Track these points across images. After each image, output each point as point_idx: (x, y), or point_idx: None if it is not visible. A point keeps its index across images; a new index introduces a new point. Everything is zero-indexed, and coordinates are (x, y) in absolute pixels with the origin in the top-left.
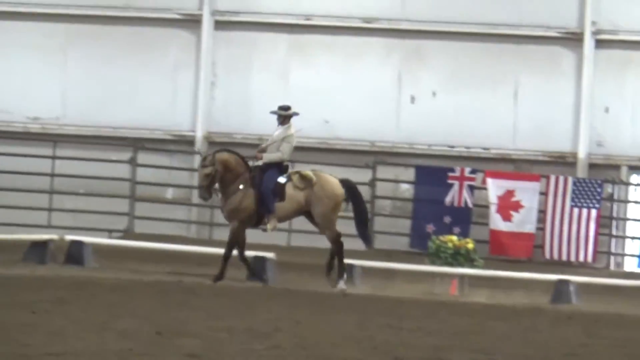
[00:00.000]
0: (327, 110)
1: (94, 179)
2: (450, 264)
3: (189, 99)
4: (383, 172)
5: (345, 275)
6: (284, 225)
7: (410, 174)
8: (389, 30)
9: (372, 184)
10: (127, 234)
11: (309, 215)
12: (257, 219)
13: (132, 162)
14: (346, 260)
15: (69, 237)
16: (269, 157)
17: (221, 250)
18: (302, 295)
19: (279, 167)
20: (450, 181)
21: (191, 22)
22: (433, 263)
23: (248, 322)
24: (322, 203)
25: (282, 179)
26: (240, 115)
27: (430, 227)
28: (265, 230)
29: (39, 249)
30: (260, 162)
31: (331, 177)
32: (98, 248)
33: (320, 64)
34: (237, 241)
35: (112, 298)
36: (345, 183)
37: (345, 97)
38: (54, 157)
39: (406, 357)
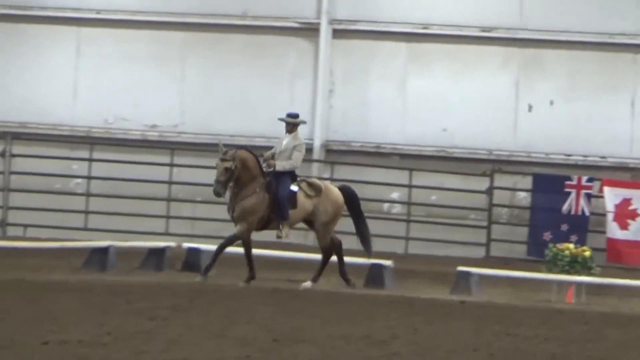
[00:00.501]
0: (444, 118)
1: (211, 187)
2: (567, 272)
3: (307, 107)
4: (500, 180)
5: (317, 280)
6: (402, 232)
7: (527, 182)
8: (507, 39)
9: (489, 192)
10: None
11: (309, 222)
12: (264, 224)
13: None
14: (465, 268)
15: (186, 244)
16: (283, 164)
17: (335, 258)
18: (419, 302)
19: (291, 175)
20: (567, 189)
21: (309, 30)
22: (550, 271)
23: (365, 330)
24: (326, 212)
25: (294, 187)
26: (358, 123)
27: (547, 235)
28: (280, 237)
29: (156, 256)
30: (273, 169)
31: (334, 187)
32: None
33: (438, 72)
34: (244, 243)
35: (229, 305)
36: (345, 189)
37: (462, 105)
38: (171, 165)
39: None
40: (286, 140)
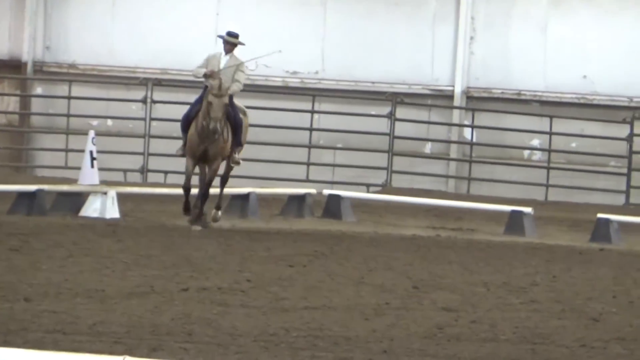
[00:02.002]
0: (585, 65)
1: (352, 134)
2: None
3: (448, 53)
4: None
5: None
6: (542, 179)
7: None
8: None
9: (629, 139)
10: (385, 188)
11: None
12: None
13: (391, 116)
14: (604, 215)
15: (327, 191)
16: (233, 87)
17: (480, 205)
18: (559, 249)
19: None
20: None
21: None
22: None
23: (504, 277)
24: (246, 134)
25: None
26: (499, 70)
27: None
28: (238, 163)
29: (297, 202)
30: (227, 94)
31: None
32: (356, 202)
33: (580, 19)
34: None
35: (369, 252)
36: None
37: (604, 52)
38: (312, 112)
39: None
40: (225, 60)
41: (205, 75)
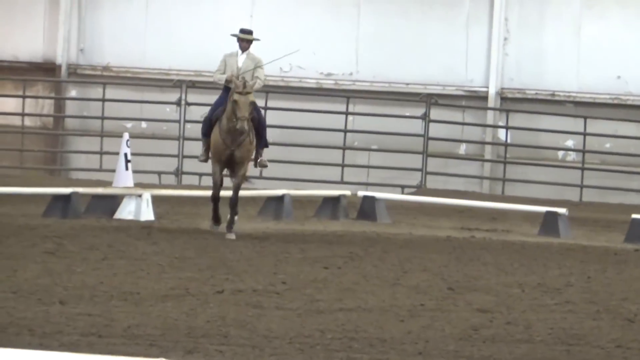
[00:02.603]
0: (619, 65)
1: (386, 135)
2: None
3: (482, 54)
4: None
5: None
6: (577, 180)
7: None
8: None
9: None
10: (420, 189)
11: None
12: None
13: (425, 117)
14: (638, 216)
15: (362, 192)
16: (256, 86)
17: (514, 206)
18: (593, 250)
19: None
20: None
21: None
22: None
23: (539, 278)
24: None
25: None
26: (532, 71)
27: None
28: (266, 166)
29: (331, 204)
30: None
31: None
32: (390, 204)
33: (613, 19)
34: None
35: (403, 253)
36: None
37: (637, 52)
38: (346, 113)
39: None
40: (242, 59)
41: (227, 81)
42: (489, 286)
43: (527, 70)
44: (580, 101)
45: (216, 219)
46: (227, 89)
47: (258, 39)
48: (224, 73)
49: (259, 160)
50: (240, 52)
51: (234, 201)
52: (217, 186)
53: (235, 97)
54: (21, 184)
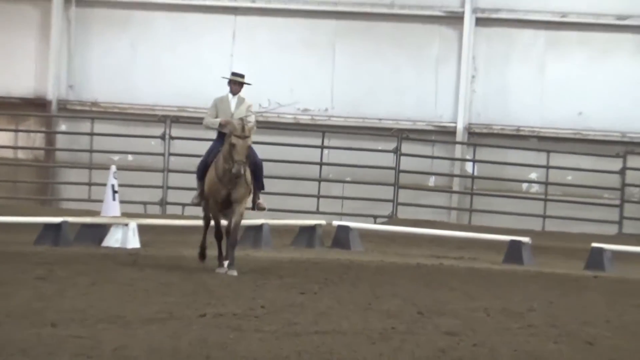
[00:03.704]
0: (580, 102)
1: (360, 168)
2: None
3: (450, 91)
4: (633, 161)
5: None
6: (540, 210)
7: None
8: None
9: (622, 172)
10: (391, 219)
11: None
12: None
13: (397, 151)
14: (598, 245)
15: (336, 222)
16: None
17: (480, 235)
18: (555, 277)
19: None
20: None
21: (453, 19)
22: None
23: (503, 303)
24: None
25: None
26: (498, 107)
27: None
28: (264, 209)
29: (308, 233)
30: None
31: None
32: (363, 233)
33: (575, 60)
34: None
35: (375, 280)
36: None
37: (597, 90)
38: (322, 147)
39: None
40: (234, 102)
41: (221, 125)
42: (456, 310)
43: (493, 107)
44: (543, 136)
45: (221, 257)
46: (220, 134)
47: (250, 84)
48: (216, 117)
49: (257, 203)
50: (231, 95)
51: (234, 241)
52: (218, 223)
53: (234, 140)
54: (14, 213)
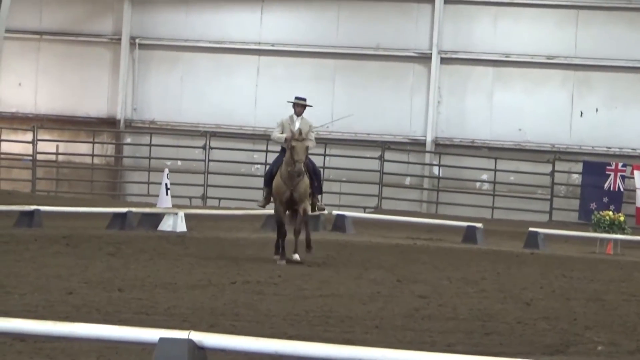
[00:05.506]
0: (520, 121)
1: (353, 171)
2: (607, 232)
3: (422, 113)
4: (560, 166)
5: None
6: (489, 203)
7: (579, 167)
8: (565, 64)
9: (552, 174)
10: (377, 210)
11: None
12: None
13: (381, 158)
14: (534, 229)
15: (335, 212)
16: (311, 145)
17: (445, 222)
18: (501, 254)
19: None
20: (607, 172)
21: (424, 58)
22: (595, 231)
23: (462, 273)
24: None
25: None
26: (458, 125)
27: (593, 205)
28: (323, 209)
29: (314, 220)
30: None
31: None
32: (356, 220)
33: (516, 88)
34: (282, 222)
35: (365, 256)
36: None
37: (533, 112)
38: (324, 155)
39: (575, 298)
40: (298, 123)
41: (286, 140)
42: (426, 279)
43: (454, 125)
44: (492, 147)
45: (278, 248)
46: (283, 149)
47: (311, 106)
48: (282, 133)
49: (317, 205)
50: (295, 116)
51: (308, 238)
52: (282, 223)
53: (293, 143)
54: (91, 205)
